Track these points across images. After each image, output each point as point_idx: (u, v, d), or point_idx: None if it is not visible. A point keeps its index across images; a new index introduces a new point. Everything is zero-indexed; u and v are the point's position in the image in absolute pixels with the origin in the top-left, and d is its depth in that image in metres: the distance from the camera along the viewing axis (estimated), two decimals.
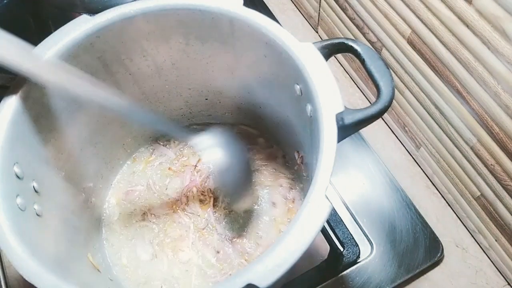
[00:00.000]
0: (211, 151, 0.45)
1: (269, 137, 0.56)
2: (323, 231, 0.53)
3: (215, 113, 0.57)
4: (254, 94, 0.50)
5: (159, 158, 0.56)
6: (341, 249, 0.52)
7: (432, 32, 0.45)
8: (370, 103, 0.56)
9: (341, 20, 0.63)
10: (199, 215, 0.52)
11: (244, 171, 0.49)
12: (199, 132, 0.46)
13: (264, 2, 0.74)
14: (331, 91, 0.35)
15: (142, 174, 0.55)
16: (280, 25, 0.38)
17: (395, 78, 0.55)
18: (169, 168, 0.55)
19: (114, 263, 0.50)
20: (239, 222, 0.51)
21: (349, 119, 0.34)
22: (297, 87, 0.39)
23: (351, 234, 0.53)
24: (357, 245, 0.52)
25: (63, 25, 0.40)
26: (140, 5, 0.40)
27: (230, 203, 0.52)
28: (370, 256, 0.52)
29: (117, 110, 0.38)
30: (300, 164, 0.50)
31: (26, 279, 0.30)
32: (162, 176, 0.55)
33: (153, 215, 0.52)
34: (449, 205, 0.56)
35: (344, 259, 0.51)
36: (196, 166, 0.55)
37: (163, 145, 0.57)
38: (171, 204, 0.53)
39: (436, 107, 0.50)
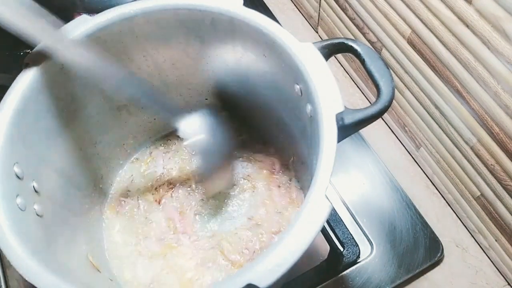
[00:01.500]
0: (194, 136, 0.46)
1: (265, 137, 0.56)
2: (323, 231, 0.53)
3: (215, 113, 0.57)
4: (253, 95, 0.50)
5: (154, 161, 0.56)
6: (341, 249, 0.52)
7: (432, 32, 0.45)
8: (370, 103, 0.56)
9: (341, 20, 0.63)
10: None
11: (223, 157, 0.50)
12: (186, 115, 0.45)
13: (264, 2, 0.74)
14: (331, 91, 0.35)
15: (140, 174, 0.55)
16: (280, 25, 0.38)
17: (395, 78, 0.55)
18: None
19: (115, 263, 0.50)
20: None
21: (349, 119, 0.34)
22: (297, 87, 0.39)
23: (351, 234, 0.53)
24: (357, 245, 0.52)
25: (63, 25, 0.40)
26: (140, 5, 0.40)
27: (205, 188, 0.52)
28: (370, 256, 0.52)
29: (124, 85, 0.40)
30: (295, 163, 0.50)
31: (26, 279, 0.30)
32: (154, 180, 0.55)
33: (154, 216, 0.52)
34: (449, 205, 0.56)
35: (344, 259, 0.51)
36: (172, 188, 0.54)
37: (161, 151, 0.57)
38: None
39: (436, 107, 0.50)
